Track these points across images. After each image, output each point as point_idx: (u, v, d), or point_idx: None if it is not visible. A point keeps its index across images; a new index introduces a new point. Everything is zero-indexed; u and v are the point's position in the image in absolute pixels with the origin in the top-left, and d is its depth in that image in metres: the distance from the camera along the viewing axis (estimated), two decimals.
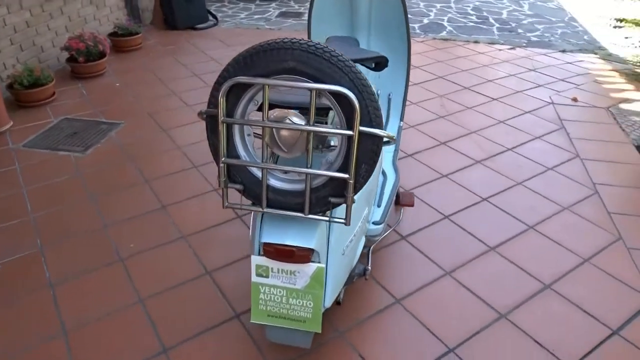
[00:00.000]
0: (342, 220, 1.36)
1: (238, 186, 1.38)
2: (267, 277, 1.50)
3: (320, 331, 1.53)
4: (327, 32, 2.52)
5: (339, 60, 1.23)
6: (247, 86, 1.28)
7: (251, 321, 1.55)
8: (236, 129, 1.35)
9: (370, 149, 1.28)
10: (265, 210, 1.39)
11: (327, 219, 1.37)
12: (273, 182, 1.38)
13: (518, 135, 3.24)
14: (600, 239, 2.31)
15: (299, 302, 1.50)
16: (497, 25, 5.80)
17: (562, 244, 2.28)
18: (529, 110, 3.59)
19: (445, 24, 5.81)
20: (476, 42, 5.10)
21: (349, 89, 1.21)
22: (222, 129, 1.30)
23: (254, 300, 1.52)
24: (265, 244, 1.42)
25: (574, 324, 1.87)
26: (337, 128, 1.27)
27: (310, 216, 1.37)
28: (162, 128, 3.27)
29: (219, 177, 1.37)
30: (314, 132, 1.26)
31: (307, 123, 1.27)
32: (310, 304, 1.50)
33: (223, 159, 1.33)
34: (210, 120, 1.35)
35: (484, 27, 5.71)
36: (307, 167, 1.31)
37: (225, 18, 5.97)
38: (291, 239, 1.41)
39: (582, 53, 4.82)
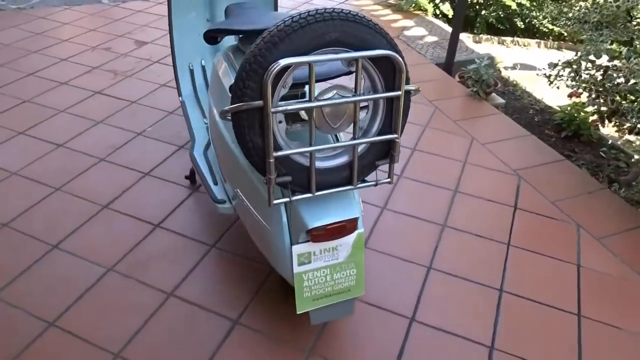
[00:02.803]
0: (387, 180, 1.40)
1: (287, 178, 1.28)
2: (309, 262, 1.45)
3: (364, 292, 1.57)
4: (188, 4, 2.31)
5: (375, 25, 1.22)
6: (285, 68, 1.16)
7: (298, 312, 1.50)
8: (275, 118, 1.23)
9: (407, 104, 1.33)
10: (315, 194, 1.32)
11: (374, 183, 1.39)
12: (317, 164, 1.32)
13: None
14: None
15: (343, 274, 1.51)
16: None
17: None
18: None
19: None
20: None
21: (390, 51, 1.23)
22: (273, 121, 1.17)
23: (298, 291, 1.47)
24: (314, 228, 1.36)
25: None
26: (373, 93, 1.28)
27: (360, 185, 1.37)
28: None
29: (267, 174, 1.23)
30: (363, 100, 1.25)
31: (354, 94, 1.24)
32: (353, 271, 1.52)
33: (274, 154, 1.21)
34: (248, 115, 1.19)
35: None
36: (355, 138, 1.30)
37: None
38: (338, 214, 1.39)
39: None
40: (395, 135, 1.32)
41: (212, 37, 1.82)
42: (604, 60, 2.19)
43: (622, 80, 2.11)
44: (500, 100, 3.43)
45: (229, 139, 1.64)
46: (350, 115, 1.27)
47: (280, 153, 1.23)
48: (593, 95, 2.38)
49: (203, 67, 2.48)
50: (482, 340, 1.76)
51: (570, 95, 3.19)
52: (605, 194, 2.52)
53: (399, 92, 1.27)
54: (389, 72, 1.26)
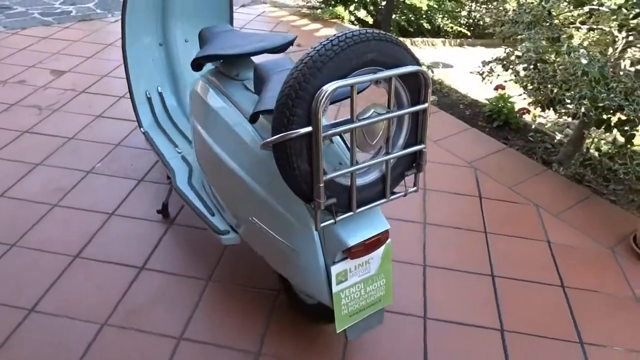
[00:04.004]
0: (414, 189, 1.45)
1: (333, 200, 1.27)
2: (346, 280, 1.46)
3: (392, 301, 1.61)
4: (138, 24, 2.19)
5: (403, 43, 1.27)
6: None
7: (338, 331, 1.50)
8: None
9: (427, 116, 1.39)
10: (356, 211, 1.34)
11: (403, 194, 1.44)
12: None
13: None
14: None
15: (374, 286, 1.54)
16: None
17: None
18: None
19: None
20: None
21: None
22: (320, 146, 1.16)
23: (337, 310, 1.47)
24: (353, 246, 1.38)
25: None
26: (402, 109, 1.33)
27: (392, 197, 1.41)
28: None
29: (316, 199, 1.22)
30: (399, 115, 1.29)
31: (388, 110, 1.28)
32: (383, 282, 1.55)
33: (324, 177, 1.20)
34: (295, 142, 1.17)
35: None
36: (388, 153, 1.33)
37: None
38: (373, 228, 1.42)
39: (257, 4, 5.38)
40: (423, 146, 1.38)
41: (199, 64, 1.75)
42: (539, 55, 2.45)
43: (558, 72, 2.37)
44: (433, 98, 3.66)
45: (238, 168, 1.59)
46: (385, 131, 1.30)
47: (328, 176, 1.22)
48: (529, 87, 2.63)
49: (160, 94, 2.36)
50: (492, 325, 1.88)
51: (496, 88, 3.49)
52: (548, 174, 2.80)
53: (426, 105, 1.32)
54: (414, 86, 1.31)
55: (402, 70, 1.23)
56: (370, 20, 5.12)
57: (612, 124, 2.40)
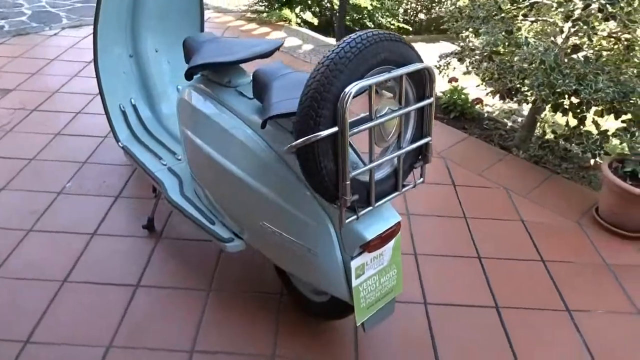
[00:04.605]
0: (421, 180, 1.52)
1: (356, 197, 1.32)
2: (363, 273, 1.51)
3: (402, 290, 1.68)
4: (108, 36, 2.13)
5: (408, 42, 1.33)
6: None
7: (357, 324, 1.54)
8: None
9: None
10: (374, 206, 1.38)
11: (413, 185, 1.50)
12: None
13: None
14: None
15: (387, 277, 1.60)
16: None
17: None
18: None
19: None
20: None
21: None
22: (347, 146, 1.20)
23: (356, 303, 1.51)
24: (371, 240, 1.43)
25: None
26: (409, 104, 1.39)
27: (403, 190, 1.47)
28: None
29: (344, 197, 1.26)
30: (412, 110, 1.35)
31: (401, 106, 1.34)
32: (394, 272, 1.61)
33: (350, 174, 1.24)
34: (322, 143, 1.20)
35: None
36: (400, 147, 1.39)
37: None
38: (387, 221, 1.47)
39: (217, 12, 5.28)
40: (430, 138, 1.45)
41: (192, 73, 1.73)
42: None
43: (515, 63, 2.54)
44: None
45: (243, 174, 1.59)
46: (397, 126, 1.36)
47: (353, 174, 1.26)
48: (487, 79, 2.79)
49: (134, 106, 2.30)
50: (487, 303, 2.00)
51: (450, 81, 3.66)
52: (510, 158, 2.98)
53: (432, 99, 1.39)
54: (419, 81, 1.38)
55: (413, 67, 1.30)
56: (316, 22, 5.19)
57: (568, 107, 2.60)
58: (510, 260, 2.21)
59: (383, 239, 1.46)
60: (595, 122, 2.57)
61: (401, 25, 5.82)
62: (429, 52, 3.40)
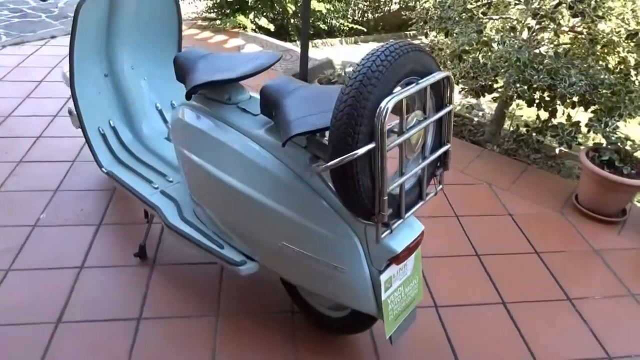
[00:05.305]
0: (441, 187, 1.53)
1: (390, 210, 1.29)
2: (391, 286, 1.49)
3: (422, 298, 1.67)
4: (83, 56, 2.00)
5: (428, 51, 1.32)
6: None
7: (387, 337, 1.53)
8: None
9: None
10: (405, 218, 1.37)
11: (434, 193, 1.50)
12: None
13: None
14: None
15: (410, 286, 1.59)
16: None
17: None
18: None
19: None
20: None
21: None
22: (385, 161, 1.18)
23: (385, 316, 1.50)
24: (401, 252, 1.41)
25: None
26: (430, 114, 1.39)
27: (427, 198, 1.46)
28: None
29: (381, 212, 1.24)
30: (436, 119, 1.35)
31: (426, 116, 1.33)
32: (416, 280, 1.61)
33: (388, 189, 1.22)
34: (361, 160, 1.17)
35: None
36: (425, 158, 1.39)
37: None
38: (413, 231, 1.46)
39: None
40: (449, 145, 1.45)
41: (193, 93, 1.64)
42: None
43: (489, 61, 2.61)
44: None
45: (260, 195, 1.53)
46: (422, 136, 1.35)
47: (390, 187, 1.24)
48: (462, 76, 2.86)
49: (114, 128, 2.16)
50: (494, 300, 2.03)
51: None
52: (487, 153, 3.07)
53: (451, 107, 1.40)
54: (437, 90, 1.38)
55: (436, 77, 1.29)
56: (272, 27, 5.12)
57: (539, 101, 2.70)
58: (507, 255, 2.27)
59: (410, 250, 1.45)
60: (567, 115, 2.69)
61: (352, 25, 5.86)
62: None
